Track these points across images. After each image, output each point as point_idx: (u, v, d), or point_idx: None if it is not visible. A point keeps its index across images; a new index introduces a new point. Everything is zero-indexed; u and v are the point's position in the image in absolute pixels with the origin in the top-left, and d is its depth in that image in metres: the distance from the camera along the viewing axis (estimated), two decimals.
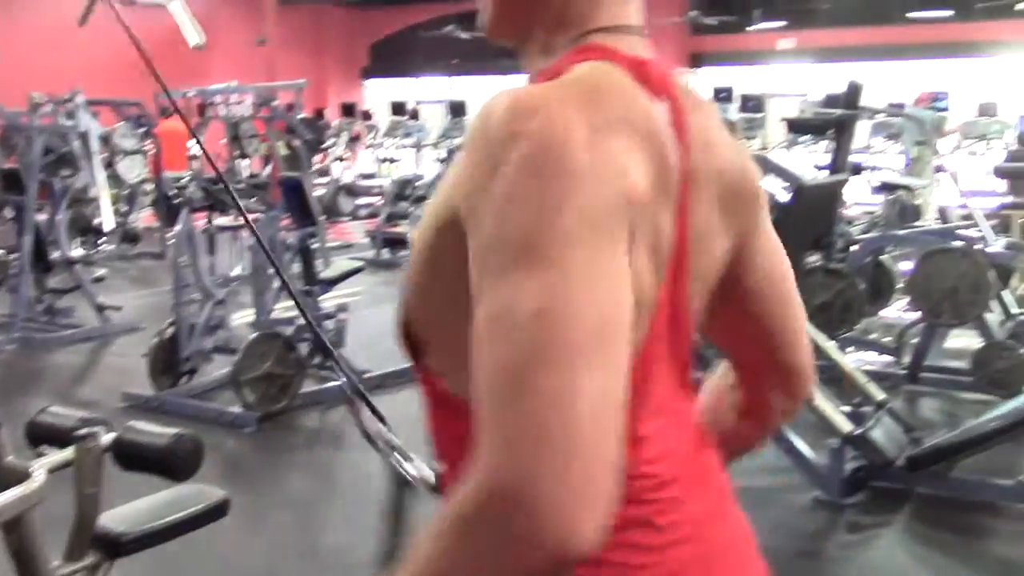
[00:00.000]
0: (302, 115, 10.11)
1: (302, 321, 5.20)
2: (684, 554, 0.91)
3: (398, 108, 15.39)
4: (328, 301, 5.59)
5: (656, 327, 0.88)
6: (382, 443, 1.27)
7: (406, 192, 10.09)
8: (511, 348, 0.74)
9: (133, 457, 2.29)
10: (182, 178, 6.97)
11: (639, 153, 0.83)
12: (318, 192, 11.26)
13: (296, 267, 5.54)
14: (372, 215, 12.07)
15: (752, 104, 13.83)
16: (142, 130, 10.12)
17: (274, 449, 4.59)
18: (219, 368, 5.21)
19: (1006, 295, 5.51)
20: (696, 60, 18.37)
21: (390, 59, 20.29)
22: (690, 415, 1.00)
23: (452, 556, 0.75)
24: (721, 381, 1.16)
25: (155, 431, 2.27)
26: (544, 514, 0.70)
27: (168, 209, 7.94)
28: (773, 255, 1.06)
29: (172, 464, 2.29)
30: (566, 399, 0.73)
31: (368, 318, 7.22)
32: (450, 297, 0.85)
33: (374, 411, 1.32)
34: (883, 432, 3.94)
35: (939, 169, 9.02)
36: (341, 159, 14.05)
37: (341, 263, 6.16)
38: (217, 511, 2.57)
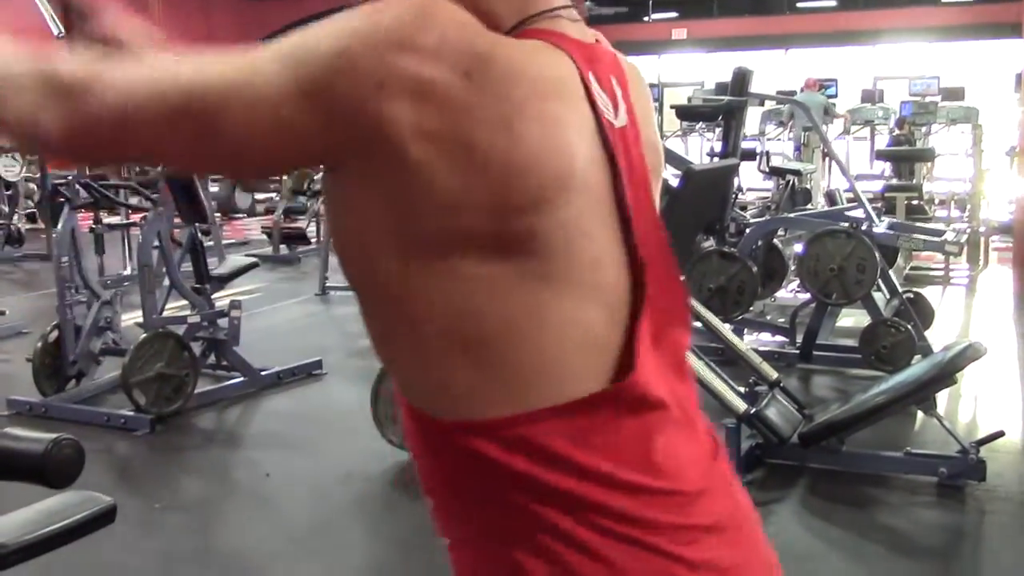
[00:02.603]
0: None
1: (194, 319, 5.09)
2: None
3: None
4: (224, 299, 5.47)
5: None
6: None
7: (304, 187, 9.92)
8: (180, 82, 0.81)
9: (8, 465, 2.20)
10: (68, 176, 6.74)
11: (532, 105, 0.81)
12: (213, 189, 11.01)
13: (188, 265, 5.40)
14: (269, 211, 11.87)
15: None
16: None
17: (168, 451, 4.47)
18: (110, 371, 5.05)
19: (891, 274, 5.70)
20: None
21: None
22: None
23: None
24: None
25: (31, 437, 2.18)
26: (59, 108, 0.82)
27: (52, 209, 7.65)
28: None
29: (50, 471, 2.20)
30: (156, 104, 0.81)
31: (266, 315, 7.11)
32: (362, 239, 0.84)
33: None
34: (777, 411, 4.04)
35: (826, 154, 9.27)
36: None
37: (235, 259, 6.03)
38: (103, 518, 2.48)
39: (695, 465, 0.90)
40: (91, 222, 7.89)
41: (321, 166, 0.84)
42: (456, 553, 0.90)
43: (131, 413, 4.62)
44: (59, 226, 5.09)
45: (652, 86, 14.30)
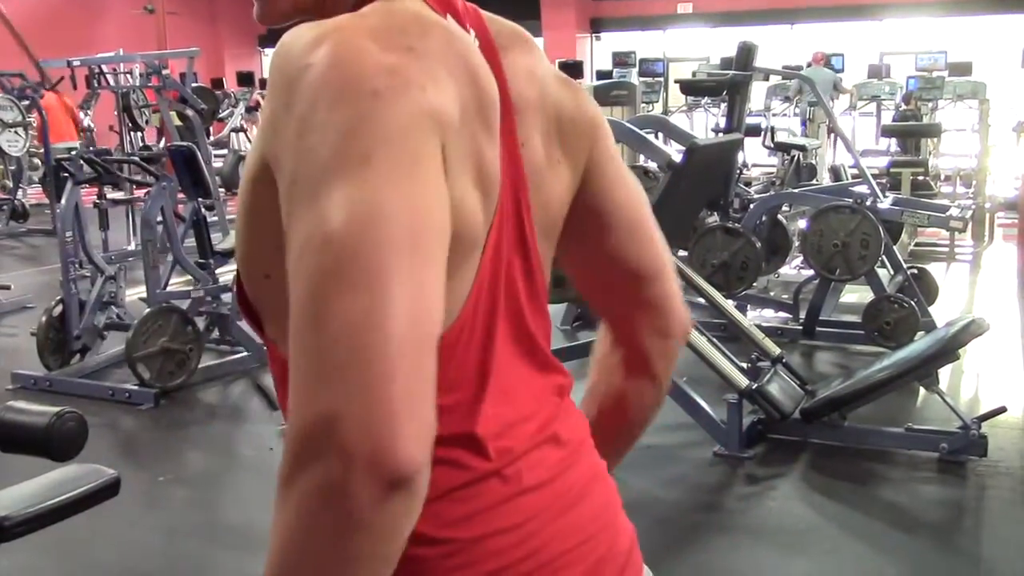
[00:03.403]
0: (196, 84, 9.84)
1: (198, 294, 5.10)
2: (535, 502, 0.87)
3: None
4: (228, 274, 5.47)
5: (484, 272, 0.84)
6: None
7: None
8: (313, 274, 0.68)
9: (12, 438, 2.21)
10: (72, 150, 6.74)
11: (442, 74, 0.79)
12: (217, 164, 10.99)
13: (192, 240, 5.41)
14: None
15: (652, 68, 13.94)
16: (26, 102, 9.70)
17: (172, 426, 4.49)
18: (114, 346, 5.07)
19: (895, 250, 5.69)
20: (597, 25, 18.41)
21: (290, 26, 19.86)
22: (544, 400, 0.93)
23: (290, 531, 0.67)
24: (602, 348, 1.13)
25: (35, 410, 2.20)
26: (356, 441, 0.64)
27: (56, 183, 7.65)
28: (623, 184, 1.02)
29: (53, 444, 2.22)
30: (374, 319, 0.66)
31: None
32: (272, 256, 0.78)
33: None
34: (778, 386, 4.05)
35: (831, 130, 9.23)
36: (239, 129, 13.72)
37: None
38: (108, 491, 2.50)
39: (525, 387, 0.90)
40: (95, 197, 7.89)
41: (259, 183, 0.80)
42: None
43: (135, 387, 4.65)
44: (63, 201, 5.09)
45: (657, 61, 14.23)
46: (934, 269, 6.55)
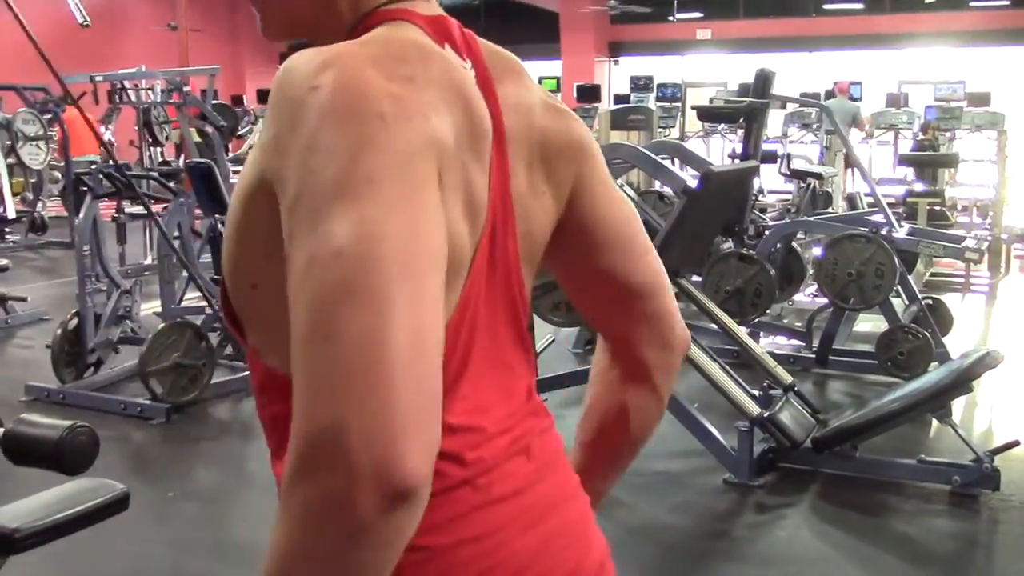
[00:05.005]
0: (216, 101, 9.92)
1: (211, 310, 5.12)
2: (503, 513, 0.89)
3: None
4: None
5: (467, 294, 0.86)
6: None
7: None
8: (318, 292, 0.70)
9: (24, 451, 2.23)
10: (93, 163, 6.79)
11: (440, 104, 0.82)
12: (235, 180, 11.06)
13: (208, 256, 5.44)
14: None
15: (670, 93, 13.99)
16: (48, 116, 9.79)
17: (183, 441, 4.50)
18: (128, 360, 5.09)
19: (910, 280, 5.67)
20: (615, 49, 18.50)
21: (310, 44, 20.04)
22: (519, 418, 0.95)
23: (292, 538, 0.68)
24: (601, 364, 1.14)
25: (47, 423, 2.21)
26: (361, 453, 0.65)
27: (76, 197, 7.71)
28: (610, 202, 1.04)
29: (65, 458, 2.23)
30: (378, 335, 0.68)
31: None
32: (261, 267, 0.82)
33: None
34: (790, 415, 4.03)
35: (848, 158, 9.21)
36: None
37: None
38: (117, 505, 2.51)
39: (500, 405, 0.92)
40: (114, 211, 7.95)
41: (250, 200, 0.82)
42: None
43: (147, 402, 4.67)
44: (81, 214, 5.13)
45: (675, 86, 14.27)
46: (949, 300, 6.52)
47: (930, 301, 5.76)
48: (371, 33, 0.86)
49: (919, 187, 9.03)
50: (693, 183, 4.29)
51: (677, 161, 6.41)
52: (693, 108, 8.66)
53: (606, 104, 14.74)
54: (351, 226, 0.71)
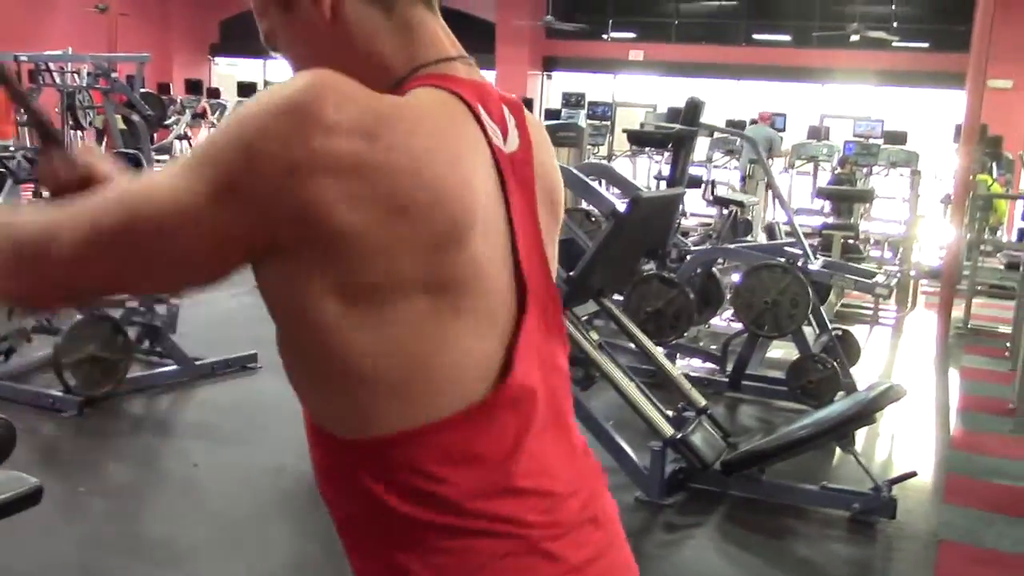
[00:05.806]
0: (144, 89, 9.75)
1: (132, 304, 5.04)
2: None
3: (246, 89, 15.02)
4: None
5: (525, 346, 0.95)
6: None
7: None
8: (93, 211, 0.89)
9: None
10: (7, 146, 6.63)
11: (385, 168, 0.85)
12: (159, 169, 10.86)
13: None
14: None
15: (600, 111, 14.16)
16: None
17: (96, 435, 4.43)
18: (41, 350, 4.98)
19: (822, 310, 5.86)
20: (549, 64, 18.64)
21: (242, 38, 19.72)
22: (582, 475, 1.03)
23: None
24: None
25: None
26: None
27: None
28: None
29: None
30: (75, 250, 0.87)
31: (205, 305, 7.05)
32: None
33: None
34: (702, 437, 4.14)
35: (768, 188, 9.45)
36: (184, 137, 13.59)
37: None
38: (29, 499, 2.48)
39: (565, 466, 0.99)
40: (30, 195, 7.75)
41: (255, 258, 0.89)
42: (352, 555, 0.98)
43: (60, 394, 4.58)
44: (0, 199, 5.01)
45: (605, 105, 14.47)
46: (857, 331, 6.75)
47: (839, 332, 5.96)
48: (413, 92, 0.92)
49: (834, 220, 9.31)
50: (621, 205, 4.39)
51: (603, 182, 6.51)
52: (624, 131, 8.81)
53: (538, 119, 14.84)
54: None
